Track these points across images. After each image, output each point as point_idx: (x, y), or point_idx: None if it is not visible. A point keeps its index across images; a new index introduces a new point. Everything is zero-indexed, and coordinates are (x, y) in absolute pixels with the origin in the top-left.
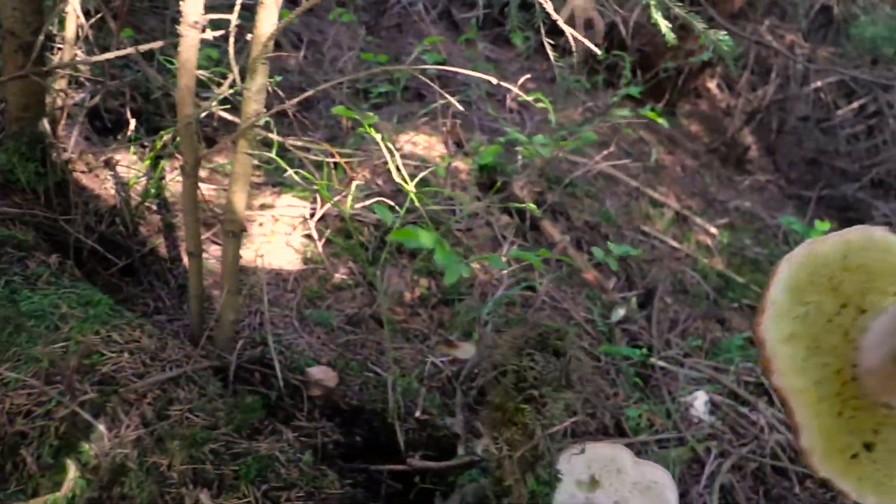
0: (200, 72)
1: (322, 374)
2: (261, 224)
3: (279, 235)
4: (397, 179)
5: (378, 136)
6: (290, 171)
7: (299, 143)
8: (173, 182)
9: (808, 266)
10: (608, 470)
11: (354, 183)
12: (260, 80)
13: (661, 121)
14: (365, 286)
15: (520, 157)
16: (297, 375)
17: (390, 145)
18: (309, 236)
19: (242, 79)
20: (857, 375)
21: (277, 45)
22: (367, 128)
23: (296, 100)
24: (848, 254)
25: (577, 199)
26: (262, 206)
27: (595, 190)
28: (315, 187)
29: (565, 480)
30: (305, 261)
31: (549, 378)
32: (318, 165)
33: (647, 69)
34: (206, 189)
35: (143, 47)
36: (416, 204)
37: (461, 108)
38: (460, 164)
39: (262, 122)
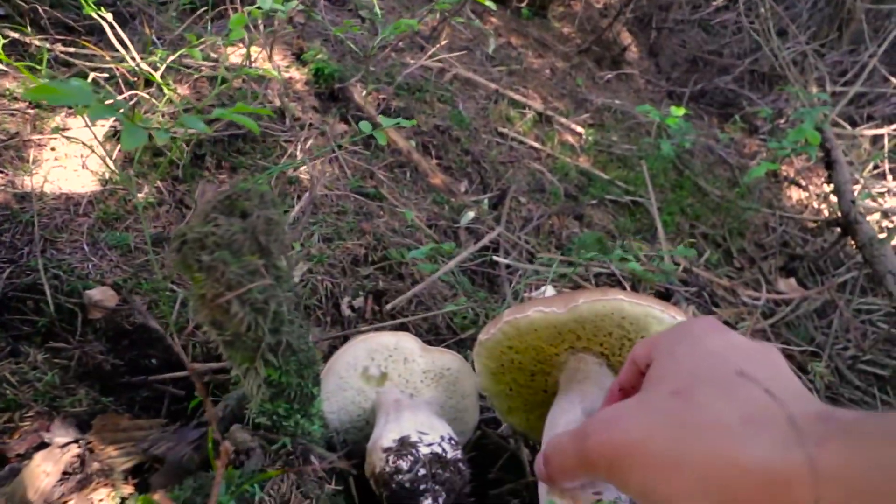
0: None
1: (100, 294)
2: (53, 149)
3: (74, 159)
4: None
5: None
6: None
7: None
8: None
9: (491, 353)
10: (394, 360)
11: (166, 97)
12: None
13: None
14: (172, 204)
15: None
16: (72, 299)
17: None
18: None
19: None
20: None
21: None
22: (193, 40)
23: None
24: (511, 338)
25: (426, 104)
26: (56, 129)
27: (449, 94)
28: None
29: (351, 375)
30: (104, 182)
31: (229, 241)
32: (128, 83)
33: None
34: None
35: None
36: (231, 117)
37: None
38: (296, 73)
39: None
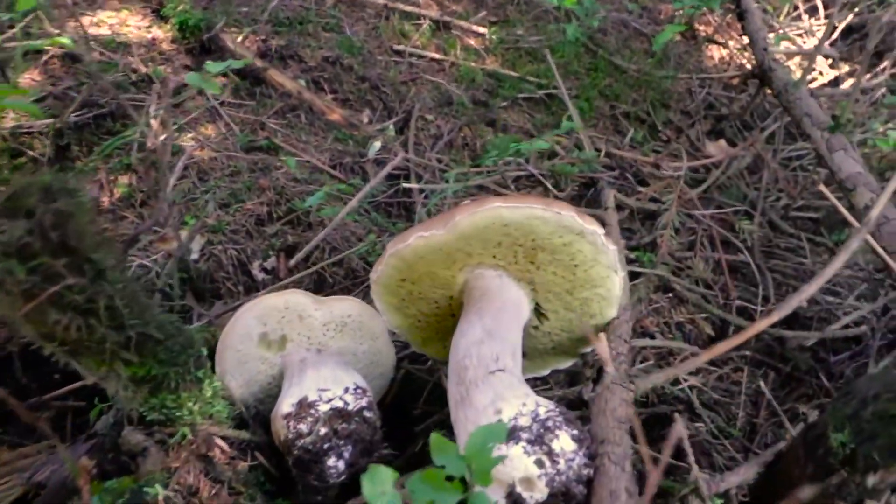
0: None
1: None
2: None
3: None
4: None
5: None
6: None
7: None
8: None
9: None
10: (288, 320)
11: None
12: None
13: None
14: None
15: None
16: None
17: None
18: None
19: None
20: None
21: None
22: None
23: None
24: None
25: (311, 36)
26: None
27: (335, 20)
28: None
29: (247, 346)
30: None
31: (17, 248)
32: None
33: None
34: None
35: None
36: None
37: None
38: (159, 31)
39: None
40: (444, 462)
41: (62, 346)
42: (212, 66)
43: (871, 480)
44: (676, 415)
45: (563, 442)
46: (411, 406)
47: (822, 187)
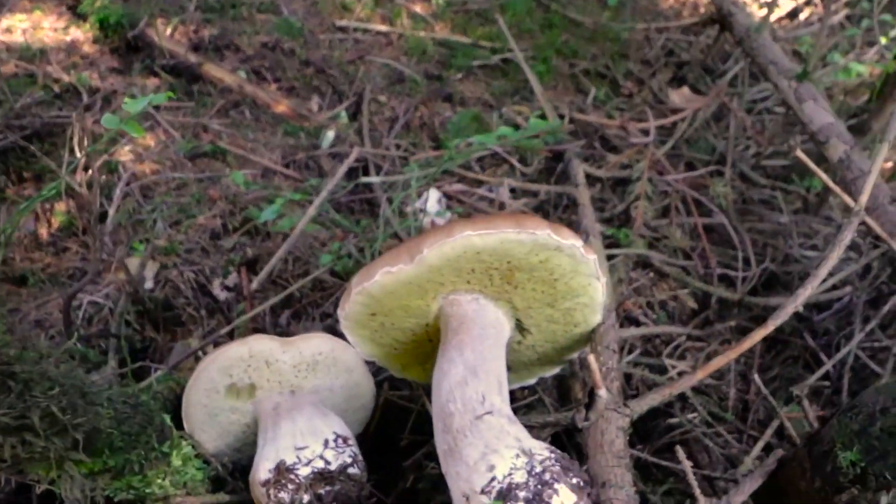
0: None
1: None
2: None
3: None
4: None
5: None
6: None
7: None
8: None
9: (358, 323)
10: (254, 368)
11: None
12: None
13: None
14: None
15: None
16: None
17: None
18: None
19: None
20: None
21: None
22: None
23: None
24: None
25: (245, 21)
26: None
27: (268, 2)
28: None
29: (215, 399)
30: None
31: None
32: None
33: None
34: None
35: None
36: None
37: None
38: (78, 32)
39: None
40: None
41: (1, 463)
42: (131, 104)
43: (885, 499)
44: (678, 448)
45: (563, 496)
46: (396, 434)
47: (799, 153)
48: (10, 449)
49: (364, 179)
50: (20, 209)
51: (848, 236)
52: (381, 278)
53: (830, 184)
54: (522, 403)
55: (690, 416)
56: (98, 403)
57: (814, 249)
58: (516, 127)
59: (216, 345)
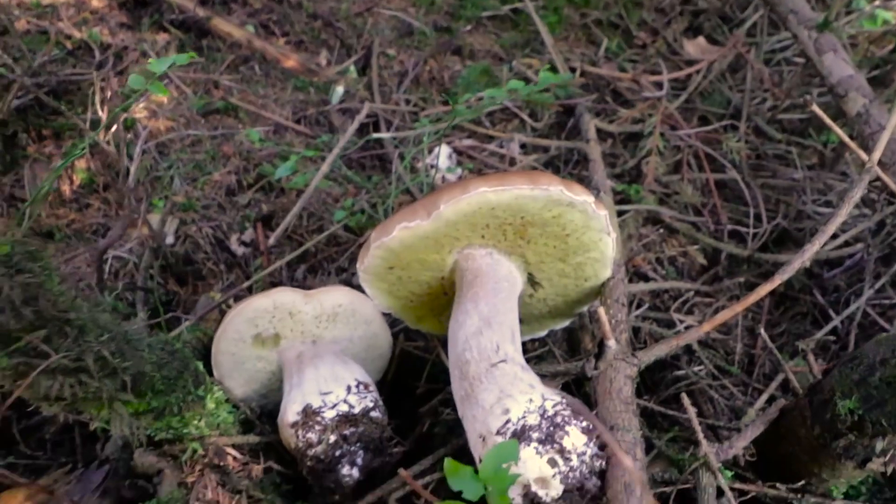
0: None
1: None
2: None
3: None
4: None
5: None
6: None
7: None
8: None
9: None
10: (279, 319)
11: None
12: None
13: None
14: (3, 204)
15: None
16: None
17: None
18: None
19: None
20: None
21: None
22: None
23: None
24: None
25: None
26: None
27: None
28: None
29: (242, 348)
30: None
31: None
32: None
33: None
34: None
35: None
36: None
37: None
38: None
39: None
40: (462, 487)
41: (59, 402)
42: (155, 64)
43: (880, 445)
44: (684, 395)
45: (574, 437)
46: (412, 382)
47: (815, 108)
48: (68, 388)
49: (375, 135)
50: (56, 168)
51: (859, 192)
52: (399, 233)
53: (845, 138)
54: (533, 355)
55: (696, 368)
56: (141, 349)
57: (828, 206)
58: (527, 80)
59: (237, 298)
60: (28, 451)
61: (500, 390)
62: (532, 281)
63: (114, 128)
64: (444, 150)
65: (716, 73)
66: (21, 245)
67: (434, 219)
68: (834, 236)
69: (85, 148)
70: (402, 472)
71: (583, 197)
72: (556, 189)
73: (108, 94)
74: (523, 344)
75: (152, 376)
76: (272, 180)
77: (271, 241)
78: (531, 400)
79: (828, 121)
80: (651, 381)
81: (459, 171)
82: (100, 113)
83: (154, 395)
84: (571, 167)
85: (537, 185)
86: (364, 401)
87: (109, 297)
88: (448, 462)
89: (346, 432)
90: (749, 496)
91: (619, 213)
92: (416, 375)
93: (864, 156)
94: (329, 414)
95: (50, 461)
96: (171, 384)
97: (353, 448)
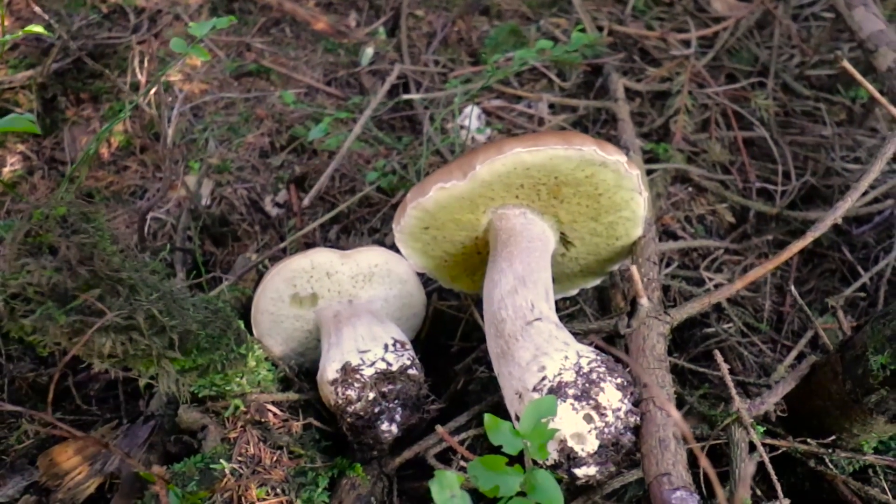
0: None
1: None
2: None
3: None
4: None
5: None
6: None
7: None
8: None
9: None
10: (316, 279)
11: None
12: None
13: None
14: (45, 167)
15: None
16: None
17: None
18: None
19: None
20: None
21: None
22: None
23: None
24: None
25: None
26: None
27: None
28: None
29: (280, 308)
30: None
31: (51, 289)
32: None
33: None
34: None
35: None
36: None
37: None
38: None
39: None
40: (501, 442)
41: (110, 359)
42: (196, 27)
43: None
44: (717, 352)
45: (609, 393)
46: (446, 341)
47: (845, 63)
48: (120, 346)
49: (405, 97)
50: (101, 131)
51: (892, 148)
52: (436, 193)
53: (876, 94)
54: (565, 313)
55: (726, 326)
56: (186, 308)
57: (856, 162)
58: (555, 40)
59: (273, 259)
60: (76, 407)
61: (536, 348)
62: (564, 240)
63: (153, 91)
64: (473, 111)
65: (743, 30)
66: (76, 206)
67: (470, 179)
68: (863, 193)
69: (129, 111)
70: (438, 428)
71: (615, 157)
72: (589, 149)
73: (147, 57)
74: (555, 302)
75: (198, 334)
76: (304, 142)
77: (305, 202)
78: (567, 357)
79: (858, 76)
80: (681, 339)
81: (489, 131)
82: (138, 76)
83: (199, 352)
84: (600, 127)
85: (571, 145)
86: (401, 359)
87: (150, 257)
88: (488, 417)
89: (385, 389)
90: (780, 451)
91: (648, 173)
92: (449, 334)
93: (895, 111)
94: (368, 371)
95: (96, 417)
96: (214, 342)
97: (391, 405)
